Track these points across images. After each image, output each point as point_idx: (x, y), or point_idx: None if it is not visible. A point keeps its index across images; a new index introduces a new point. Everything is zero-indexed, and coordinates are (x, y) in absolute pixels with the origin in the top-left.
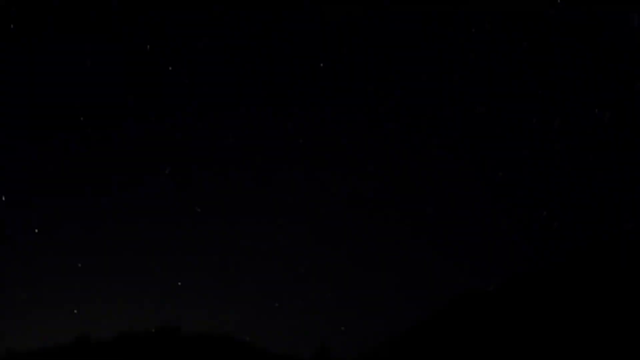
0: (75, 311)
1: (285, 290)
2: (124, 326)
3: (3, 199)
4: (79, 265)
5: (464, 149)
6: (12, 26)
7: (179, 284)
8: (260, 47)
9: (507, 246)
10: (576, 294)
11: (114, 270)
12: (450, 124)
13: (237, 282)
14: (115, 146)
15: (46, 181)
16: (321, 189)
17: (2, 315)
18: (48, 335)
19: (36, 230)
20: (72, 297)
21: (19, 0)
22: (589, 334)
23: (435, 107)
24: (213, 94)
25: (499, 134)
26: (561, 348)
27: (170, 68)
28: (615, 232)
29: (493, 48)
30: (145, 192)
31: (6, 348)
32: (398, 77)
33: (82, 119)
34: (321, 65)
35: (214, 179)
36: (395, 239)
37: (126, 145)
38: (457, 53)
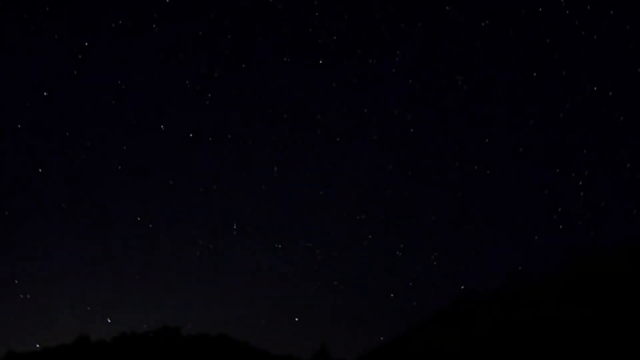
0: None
1: (286, 291)
2: (124, 326)
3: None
4: (79, 266)
5: (465, 151)
6: None
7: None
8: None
9: (507, 246)
10: (576, 294)
11: (115, 271)
12: (452, 128)
13: (237, 283)
14: (122, 157)
15: (47, 182)
16: (321, 190)
17: (2, 316)
18: (48, 335)
19: (37, 231)
20: (73, 298)
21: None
22: (589, 334)
23: (436, 111)
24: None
25: (500, 137)
26: (561, 348)
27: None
28: (615, 234)
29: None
30: (147, 196)
31: (6, 348)
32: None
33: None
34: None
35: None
36: (395, 240)
37: (130, 154)
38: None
